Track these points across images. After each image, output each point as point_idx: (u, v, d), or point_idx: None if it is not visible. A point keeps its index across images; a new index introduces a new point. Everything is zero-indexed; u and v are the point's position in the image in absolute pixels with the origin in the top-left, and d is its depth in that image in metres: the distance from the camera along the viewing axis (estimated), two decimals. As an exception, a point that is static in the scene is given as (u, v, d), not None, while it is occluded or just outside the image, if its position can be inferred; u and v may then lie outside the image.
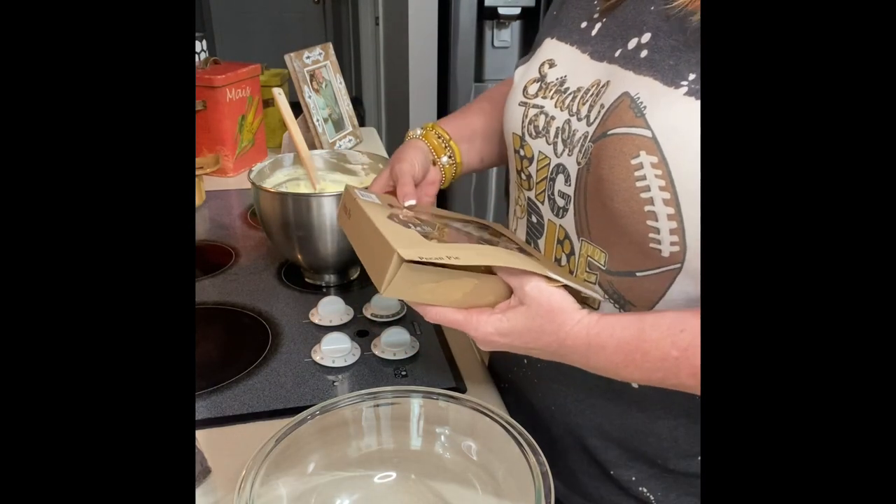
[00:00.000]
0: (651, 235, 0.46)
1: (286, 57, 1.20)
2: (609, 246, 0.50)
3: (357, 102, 3.26)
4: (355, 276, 0.91)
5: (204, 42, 1.34)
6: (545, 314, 0.47)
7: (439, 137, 0.70)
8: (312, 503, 0.52)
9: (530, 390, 0.64)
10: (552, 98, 0.56)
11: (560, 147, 0.54)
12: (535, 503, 0.46)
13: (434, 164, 0.69)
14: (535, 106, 0.58)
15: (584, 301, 0.50)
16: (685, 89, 0.44)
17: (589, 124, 0.50)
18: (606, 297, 0.52)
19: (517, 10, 2.06)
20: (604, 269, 0.51)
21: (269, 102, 1.37)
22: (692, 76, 0.44)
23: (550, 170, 0.55)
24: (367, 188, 0.65)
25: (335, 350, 0.72)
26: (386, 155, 1.24)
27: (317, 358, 0.72)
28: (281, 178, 0.91)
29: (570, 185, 0.53)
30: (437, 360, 0.73)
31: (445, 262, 0.45)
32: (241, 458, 0.50)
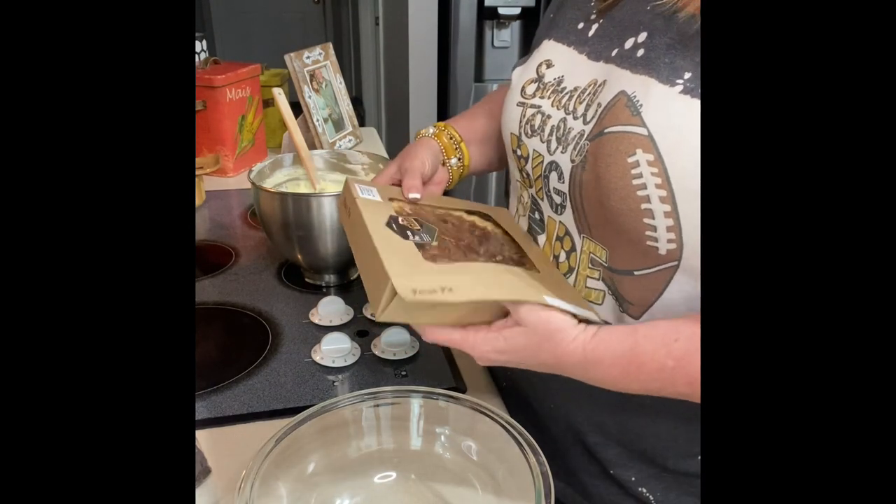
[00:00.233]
0: (648, 233, 0.46)
1: (286, 57, 1.20)
2: (608, 243, 0.50)
3: (357, 102, 3.26)
4: (355, 276, 0.91)
5: (204, 42, 1.34)
6: (542, 334, 0.47)
7: (451, 138, 0.69)
8: (312, 503, 0.52)
9: (530, 390, 0.64)
10: (549, 98, 0.56)
11: (553, 144, 0.54)
12: (535, 503, 0.46)
13: (443, 164, 0.68)
14: (532, 106, 0.58)
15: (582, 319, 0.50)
16: (681, 87, 0.44)
17: (586, 123, 0.51)
18: (608, 292, 0.52)
19: (517, 10, 2.06)
20: (606, 265, 0.51)
21: (269, 102, 1.37)
22: (688, 74, 0.44)
23: (544, 167, 0.55)
24: (371, 180, 0.64)
25: (335, 350, 0.72)
26: (386, 155, 1.24)
27: (317, 358, 0.72)
28: (281, 178, 0.91)
29: (563, 183, 0.53)
30: (437, 360, 0.73)
31: (440, 300, 0.44)
32: (241, 458, 0.50)
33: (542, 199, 0.58)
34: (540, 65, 0.59)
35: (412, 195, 0.60)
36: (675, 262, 0.46)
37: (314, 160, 0.92)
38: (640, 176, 0.45)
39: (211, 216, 1.12)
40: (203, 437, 0.62)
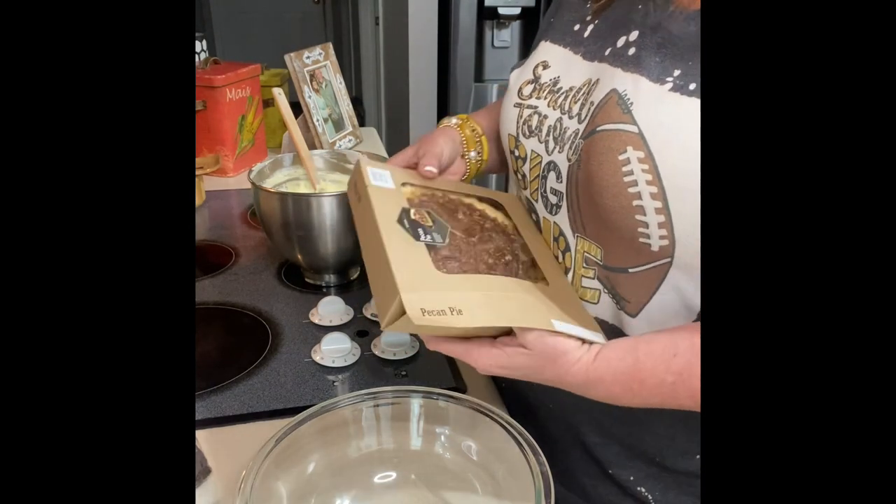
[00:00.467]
0: (640, 230, 0.46)
1: (286, 57, 1.19)
2: (602, 242, 0.51)
3: (357, 102, 3.26)
4: (355, 276, 0.91)
5: (204, 42, 1.34)
6: (546, 358, 0.47)
7: (473, 131, 0.69)
8: (312, 503, 0.52)
9: (529, 389, 0.64)
10: (545, 98, 0.57)
11: (551, 144, 0.54)
12: (535, 503, 0.46)
13: (462, 156, 0.68)
14: (529, 106, 0.58)
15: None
16: (670, 85, 0.44)
17: (580, 122, 0.51)
18: (604, 290, 0.52)
19: (517, 11, 2.06)
20: (601, 263, 0.51)
21: (269, 102, 1.37)
22: (677, 72, 0.45)
23: (542, 167, 0.56)
24: (387, 162, 0.63)
25: (335, 350, 0.72)
26: (386, 155, 1.24)
27: (317, 358, 0.72)
28: (281, 178, 0.91)
29: (561, 182, 0.53)
30: (437, 360, 0.73)
31: (447, 324, 0.43)
32: (241, 458, 0.50)
33: (536, 201, 0.58)
34: (536, 66, 0.60)
35: (428, 168, 0.60)
36: (668, 259, 0.46)
37: (314, 160, 0.92)
38: (630, 173, 0.45)
39: (211, 216, 1.12)
40: (203, 437, 0.62)
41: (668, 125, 0.44)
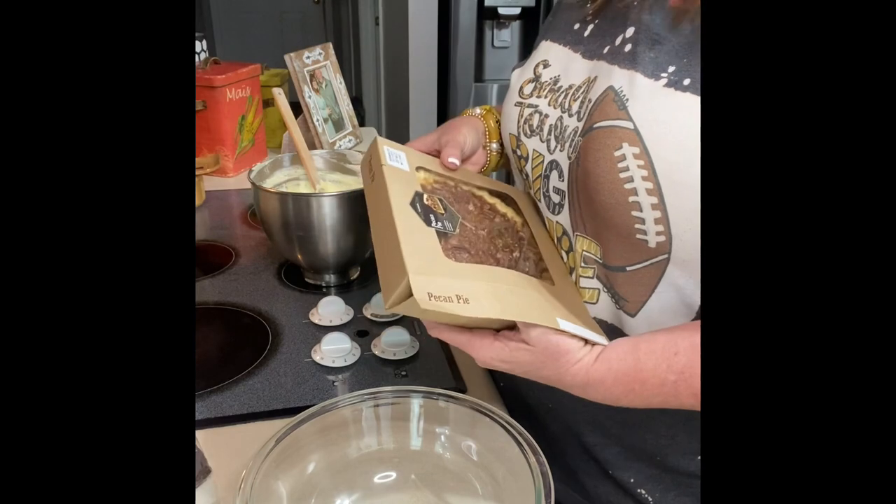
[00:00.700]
0: (637, 226, 0.46)
1: (286, 57, 1.19)
2: (600, 239, 0.51)
3: (357, 102, 3.26)
4: (355, 276, 0.91)
5: (204, 42, 1.34)
6: (548, 355, 0.46)
7: (497, 122, 0.68)
8: (312, 503, 0.52)
9: (529, 389, 0.64)
10: (546, 97, 0.57)
11: (553, 143, 0.54)
12: (535, 503, 0.46)
13: (483, 147, 0.67)
14: (529, 105, 0.58)
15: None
16: (665, 80, 0.45)
17: (579, 120, 0.51)
18: (603, 290, 0.52)
19: (517, 10, 2.05)
20: (600, 262, 0.51)
21: (269, 102, 1.37)
22: (672, 68, 0.45)
23: (545, 167, 0.56)
24: (406, 144, 0.62)
25: (335, 350, 0.72)
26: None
27: (317, 358, 0.72)
28: (281, 178, 0.91)
29: (563, 181, 0.53)
30: (437, 360, 0.73)
31: (453, 311, 0.43)
32: (241, 458, 0.50)
33: (539, 201, 0.58)
34: (537, 65, 0.60)
35: (451, 160, 0.59)
36: (666, 255, 0.46)
37: (314, 160, 0.92)
38: (626, 169, 0.45)
39: (211, 216, 1.12)
40: (203, 437, 0.61)
41: (662, 120, 0.44)
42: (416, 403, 0.57)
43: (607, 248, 0.50)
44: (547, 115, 0.56)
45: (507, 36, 2.15)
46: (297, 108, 1.06)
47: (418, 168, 0.58)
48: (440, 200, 0.54)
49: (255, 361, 0.72)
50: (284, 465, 0.51)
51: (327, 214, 0.80)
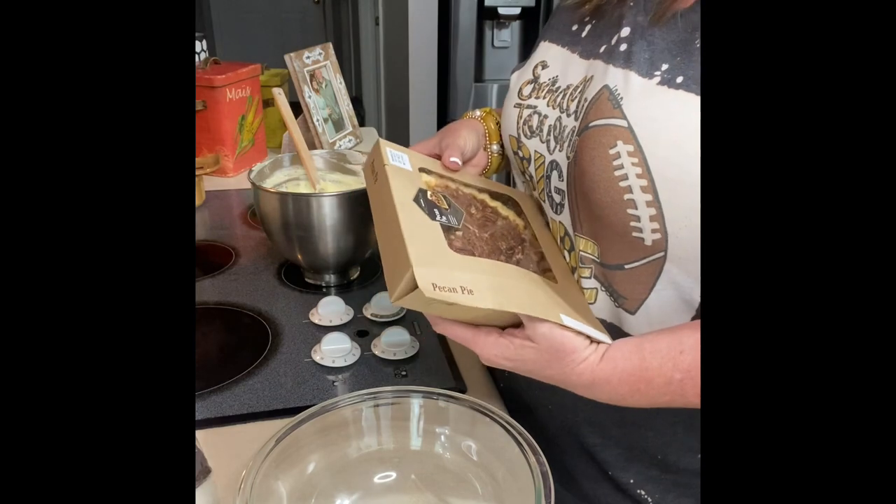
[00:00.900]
0: (632, 224, 0.46)
1: (286, 57, 1.19)
2: (598, 238, 0.51)
3: (357, 102, 3.26)
4: (355, 276, 0.91)
5: (204, 42, 1.34)
6: (553, 353, 0.46)
7: (497, 124, 0.68)
8: (312, 503, 0.52)
9: (528, 389, 0.64)
10: (545, 97, 0.57)
11: (552, 144, 0.55)
12: (535, 503, 0.46)
13: (484, 149, 0.67)
14: (528, 106, 0.59)
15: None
16: (658, 79, 0.45)
17: (576, 119, 0.51)
18: (601, 289, 0.52)
19: (517, 10, 2.06)
20: (598, 261, 0.52)
21: (269, 102, 1.37)
22: (665, 66, 0.45)
23: (546, 167, 0.56)
24: (408, 148, 0.62)
25: (335, 350, 0.72)
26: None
27: (317, 358, 0.72)
28: (281, 178, 0.91)
29: (563, 181, 0.53)
30: (437, 360, 0.73)
31: (458, 301, 0.43)
32: (241, 458, 0.50)
33: (543, 201, 0.58)
34: (536, 66, 0.60)
35: (452, 159, 0.59)
36: (662, 253, 0.47)
37: (314, 160, 0.92)
38: (621, 167, 0.46)
39: (211, 216, 1.12)
40: (203, 437, 0.61)
41: (656, 118, 0.44)
42: (416, 403, 0.57)
43: (605, 247, 0.50)
44: (546, 116, 0.56)
45: (507, 36, 2.15)
46: (297, 108, 1.06)
47: (420, 169, 0.58)
48: (444, 197, 0.54)
49: (255, 361, 0.72)
50: (284, 466, 0.51)
51: (327, 214, 0.80)
